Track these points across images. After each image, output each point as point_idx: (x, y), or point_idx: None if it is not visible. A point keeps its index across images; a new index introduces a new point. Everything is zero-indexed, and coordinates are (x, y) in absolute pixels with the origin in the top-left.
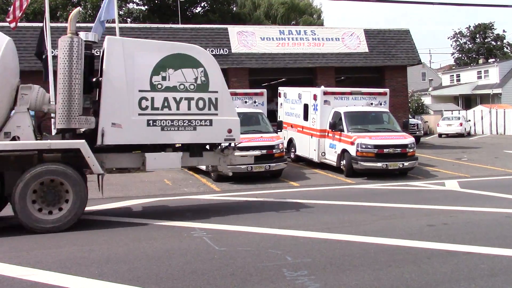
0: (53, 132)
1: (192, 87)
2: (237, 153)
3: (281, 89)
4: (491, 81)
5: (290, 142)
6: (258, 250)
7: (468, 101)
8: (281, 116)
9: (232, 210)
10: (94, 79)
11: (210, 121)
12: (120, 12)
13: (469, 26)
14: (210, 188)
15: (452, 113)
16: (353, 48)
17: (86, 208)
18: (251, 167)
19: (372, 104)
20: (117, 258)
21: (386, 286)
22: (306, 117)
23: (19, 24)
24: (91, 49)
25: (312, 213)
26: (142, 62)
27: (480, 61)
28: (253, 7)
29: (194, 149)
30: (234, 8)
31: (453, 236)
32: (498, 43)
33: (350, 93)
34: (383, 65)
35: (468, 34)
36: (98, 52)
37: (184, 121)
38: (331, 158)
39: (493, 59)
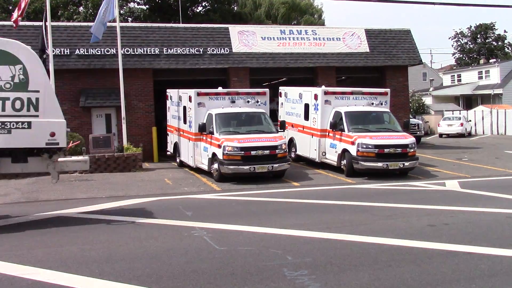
0: None
1: (8, 86)
2: (63, 158)
3: (282, 89)
4: (492, 82)
5: (291, 141)
6: (259, 250)
7: (469, 101)
8: (282, 115)
9: (232, 209)
10: None
11: (29, 123)
12: (121, 12)
13: (470, 26)
14: (210, 187)
15: (453, 113)
16: (354, 48)
17: (86, 208)
18: (254, 167)
19: (373, 104)
20: (117, 257)
21: (387, 286)
22: (306, 117)
23: (20, 23)
24: None
25: (313, 212)
26: None
27: (481, 61)
28: (254, 7)
29: (16, 154)
30: (235, 8)
31: (453, 236)
32: (499, 43)
33: (351, 93)
34: (384, 65)
35: (469, 34)
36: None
37: None
38: (332, 158)
39: (494, 60)
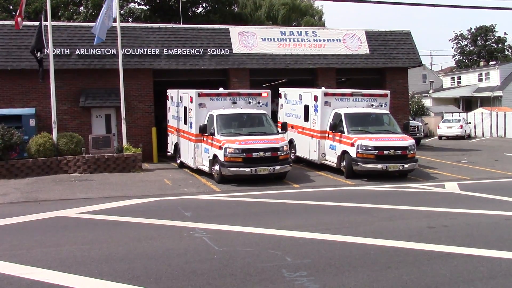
0: (54, 131)
1: None
2: None
3: (282, 90)
4: (491, 84)
5: (290, 143)
6: (258, 251)
7: (468, 104)
8: (282, 117)
9: (232, 210)
10: None
11: None
12: (122, 12)
13: (470, 29)
14: (210, 188)
15: (452, 115)
16: (354, 50)
17: (86, 208)
18: (255, 169)
19: (372, 105)
20: (116, 257)
21: None
22: (306, 118)
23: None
24: None
25: (312, 214)
26: None
27: (481, 63)
28: (254, 8)
29: None
30: (236, 9)
31: (452, 238)
32: (499, 45)
33: (351, 95)
34: (384, 66)
35: (469, 37)
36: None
37: None
38: (331, 159)
39: (494, 62)
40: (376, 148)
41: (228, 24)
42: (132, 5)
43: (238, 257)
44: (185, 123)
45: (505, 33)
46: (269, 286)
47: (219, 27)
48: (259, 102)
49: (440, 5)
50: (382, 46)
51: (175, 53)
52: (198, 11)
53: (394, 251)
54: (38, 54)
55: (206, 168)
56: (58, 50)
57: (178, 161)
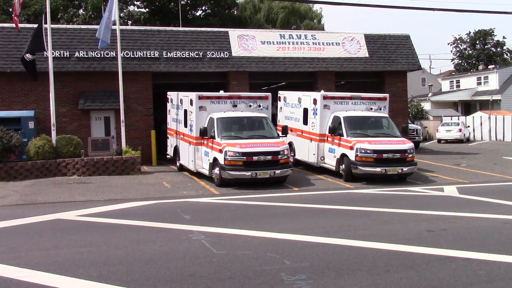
0: (53, 134)
1: None
2: None
3: (281, 93)
4: (490, 87)
5: (290, 146)
6: (257, 254)
7: (467, 107)
8: (281, 120)
9: (231, 213)
10: None
11: None
12: (121, 15)
13: (469, 32)
14: (209, 191)
15: (451, 119)
16: (353, 53)
17: (84, 210)
18: (256, 173)
19: (371, 109)
20: (115, 260)
21: None
22: (305, 121)
23: (20, 25)
24: None
25: (311, 217)
26: None
27: (480, 67)
28: (253, 11)
29: None
30: (235, 12)
31: (451, 242)
32: (498, 49)
33: (350, 98)
34: (383, 70)
35: (468, 40)
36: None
37: None
38: (330, 162)
39: (493, 66)
40: (375, 151)
41: (227, 27)
42: (131, 8)
43: (237, 260)
44: (185, 125)
45: (504, 37)
46: None
47: (219, 30)
48: (259, 105)
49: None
50: (381, 49)
51: (174, 56)
52: (198, 14)
53: (393, 255)
54: (28, 55)
55: (206, 171)
56: (57, 52)
57: (178, 164)
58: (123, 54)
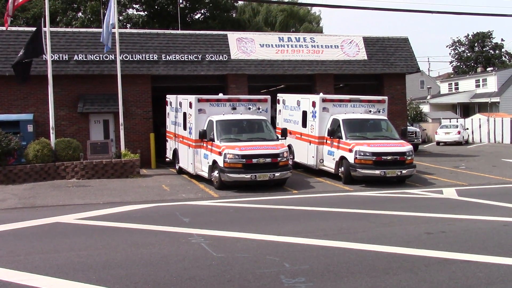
0: (52, 137)
1: None
2: None
3: (280, 96)
4: (489, 90)
5: (289, 148)
6: (256, 257)
7: (466, 110)
8: (280, 122)
9: (230, 216)
10: None
11: None
12: (120, 18)
13: (468, 35)
14: (208, 194)
15: (450, 121)
16: (352, 56)
17: (84, 214)
18: (255, 176)
19: (370, 111)
20: (114, 263)
21: None
22: (304, 124)
23: (19, 29)
24: None
25: (310, 220)
26: None
27: (479, 69)
28: (252, 14)
29: None
30: (234, 15)
31: (450, 244)
32: (497, 51)
33: (349, 101)
34: (382, 72)
35: (466, 43)
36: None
37: None
38: (329, 165)
39: (492, 68)
40: (374, 154)
41: (226, 30)
42: (130, 11)
43: (236, 263)
44: (184, 128)
45: (502, 39)
46: None
47: (217, 33)
48: (259, 108)
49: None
50: (380, 52)
51: (173, 59)
52: (197, 17)
53: (392, 257)
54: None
55: (205, 174)
56: (56, 55)
57: (177, 167)
58: (122, 57)
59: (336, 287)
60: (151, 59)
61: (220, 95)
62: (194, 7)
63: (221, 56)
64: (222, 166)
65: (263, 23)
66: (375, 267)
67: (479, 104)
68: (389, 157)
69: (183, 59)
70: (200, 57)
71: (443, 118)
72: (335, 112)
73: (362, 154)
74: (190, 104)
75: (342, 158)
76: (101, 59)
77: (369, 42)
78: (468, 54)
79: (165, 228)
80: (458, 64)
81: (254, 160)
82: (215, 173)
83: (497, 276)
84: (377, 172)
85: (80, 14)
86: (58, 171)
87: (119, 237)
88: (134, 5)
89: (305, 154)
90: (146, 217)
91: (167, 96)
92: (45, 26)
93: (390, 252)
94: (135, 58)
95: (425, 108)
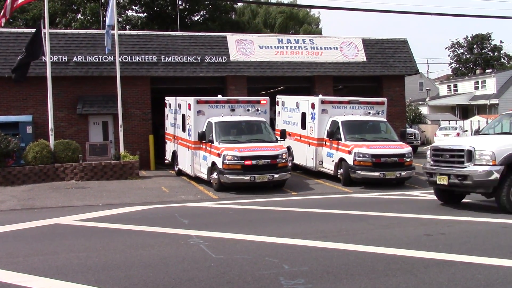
0: (51, 139)
1: None
2: None
3: (279, 98)
4: (488, 92)
5: (288, 150)
6: (255, 258)
7: (465, 111)
8: (279, 124)
9: (229, 218)
10: None
11: None
12: (119, 19)
13: (467, 37)
14: (207, 195)
15: (449, 123)
16: (351, 57)
17: (83, 215)
18: (254, 177)
19: (369, 113)
20: (114, 265)
21: None
22: (303, 126)
23: (19, 30)
24: None
25: (309, 221)
26: None
27: (478, 71)
28: (251, 16)
29: None
30: (233, 16)
31: (450, 246)
32: (496, 53)
33: (348, 102)
34: (381, 74)
35: (465, 45)
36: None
37: None
38: (329, 167)
39: (490, 70)
40: (373, 155)
41: (225, 32)
42: (130, 13)
43: (235, 264)
44: (183, 130)
45: (501, 41)
46: None
47: (217, 34)
48: (257, 110)
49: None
50: (379, 54)
51: (172, 61)
52: (196, 19)
53: (391, 259)
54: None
55: (204, 176)
56: (55, 57)
57: (176, 169)
58: (121, 59)
59: None
60: (150, 61)
61: (219, 97)
62: (193, 9)
63: (220, 57)
64: (221, 167)
65: (262, 25)
66: (374, 268)
67: (478, 106)
68: (388, 159)
69: (182, 60)
70: (199, 58)
71: (442, 120)
72: (334, 114)
73: (361, 156)
74: (189, 105)
75: (341, 160)
76: (100, 60)
77: (368, 44)
78: (467, 56)
79: (164, 229)
80: (457, 66)
81: (253, 162)
82: (214, 175)
83: (496, 278)
84: (376, 174)
85: (79, 15)
86: (57, 173)
87: (118, 239)
88: (134, 7)
89: (304, 156)
90: (145, 219)
91: (166, 98)
92: (44, 28)
93: (390, 254)
94: (134, 59)
95: (424, 110)
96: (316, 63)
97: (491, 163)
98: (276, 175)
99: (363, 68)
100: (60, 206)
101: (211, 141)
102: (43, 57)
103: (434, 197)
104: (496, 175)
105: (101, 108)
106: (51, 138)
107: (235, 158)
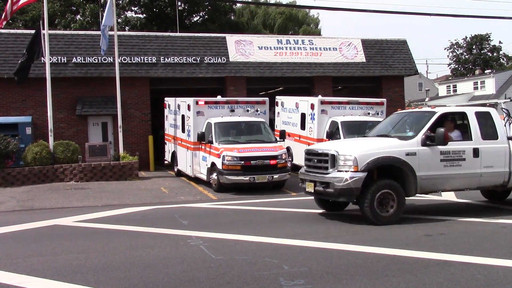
0: (50, 140)
1: None
2: None
3: (278, 98)
4: (487, 92)
5: (287, 151)
6: (255, 259)
7: None
8: (278, 125)
9: (229, 218)
10: None
11: None
12: (118, 20)
13: (466, 37)
14: (206, 196)
15: None
16: (351, 58)
17: (82, 216)
18: (254, 177)
19: (369, 114)
20: (113, 266)
21: None
22: (303, 126)
23: (18, 31)
24: None
25: (309, 222)
26: None
27: (477, 72)
28: (250, 17)
29: None
30: (232, 17)
31: (449, 246)
32: (495, 54)
33: (347, 103)
34: (380, 75)
35: (464, 45)
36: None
37: None
38: None
39: (490, 70)
40: (242, 158)
41: (224, 33)
42: (129, 14)
43: (235, 265)
44: (183, 131)
45: (500, 42)
46: None
47: (216, 35)
48: (257, 110)
49: (436, 14)
50: (378, 54)
51: (172, 62)
52: (195, 19)
53: (391, 259)
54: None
55: (204, 177)
56: (55, 58)
57: (176, 169)
58: (121, 60)
59: None
60: (149, 62)
61: (219, 98)
62: (192, 10)
63: (219, 58)
64: (221, 168)
65: (261, 26)
66: (374, 269)
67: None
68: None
69: (182, 61)
70: (198, 59)
71: None
72: (334, 114)
73: (230, 159)
74: (189, 106)
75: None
76: (99, 61)
77: (367, 44)
78: (466, 56)
79: (164, 230)
80: (456, 66)
81: (253, 162)
82: (214, 175)
83: (496, 278)
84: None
85: (78, 16)
86: (57, 174)
87: (117, 240)
88: (133, 8)
89: (304, 156)
90: (144, 220)
91: (166, 98)
92: (43, 29)
93: (390, 254)
94: (134, 60)
95: None
96: (316, 64)
97: (353, 169)
98: (275, 176)
99: (362, 69)
100: (60, 207)
101: (211, 142)
102: (42, 58)
103: (433, 197)
104: (357, 183)
105: (101, 109)
106: (51, 139)
107: (235, 159)
